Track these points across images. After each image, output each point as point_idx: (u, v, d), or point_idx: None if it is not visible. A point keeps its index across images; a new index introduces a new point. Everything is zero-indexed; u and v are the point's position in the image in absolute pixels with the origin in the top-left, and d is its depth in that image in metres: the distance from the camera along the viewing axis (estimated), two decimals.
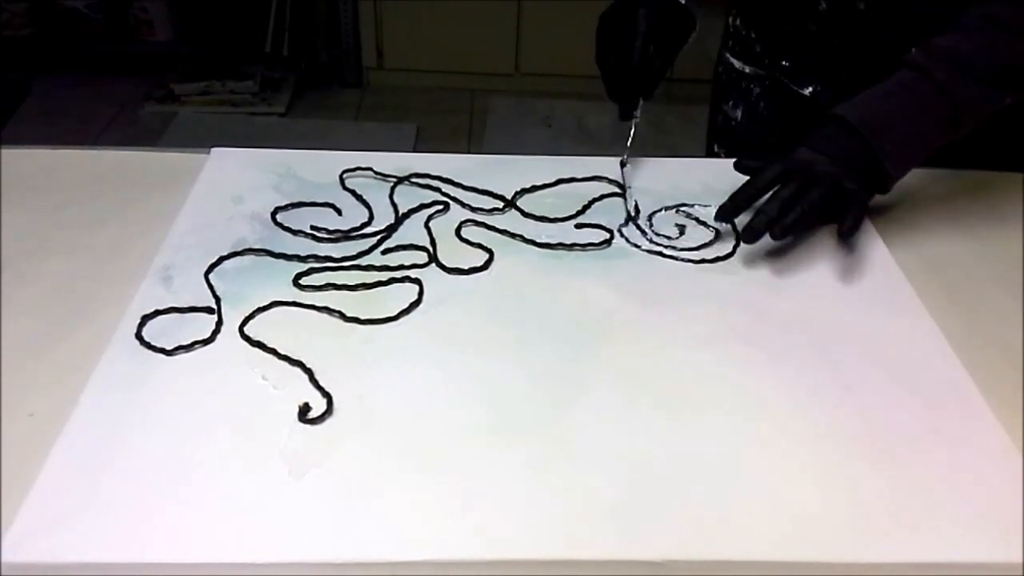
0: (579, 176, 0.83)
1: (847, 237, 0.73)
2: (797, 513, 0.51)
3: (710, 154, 1.06)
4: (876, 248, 0.75)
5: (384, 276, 0.69)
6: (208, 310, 0.65)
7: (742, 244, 0.75)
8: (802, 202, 0.72)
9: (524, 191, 0.81)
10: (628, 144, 0.84)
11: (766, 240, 0.76)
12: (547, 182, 0.82)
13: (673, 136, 2.40)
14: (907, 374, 0.62)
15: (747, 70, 0.99)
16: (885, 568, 0.49)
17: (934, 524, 0.51)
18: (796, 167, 0.74)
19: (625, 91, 0.83)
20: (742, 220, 0.75)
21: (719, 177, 0.83)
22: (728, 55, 1.01)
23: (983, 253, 0.76)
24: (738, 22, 0.99)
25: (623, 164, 0.83)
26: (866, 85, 0.78)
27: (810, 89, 0.93)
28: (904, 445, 0.56)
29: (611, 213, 0.79)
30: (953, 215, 0.82)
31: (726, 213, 0.75)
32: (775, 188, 0.74)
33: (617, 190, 0.82)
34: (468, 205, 0.79)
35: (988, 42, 0.74)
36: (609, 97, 0.84)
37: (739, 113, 1.01)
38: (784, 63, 0.94)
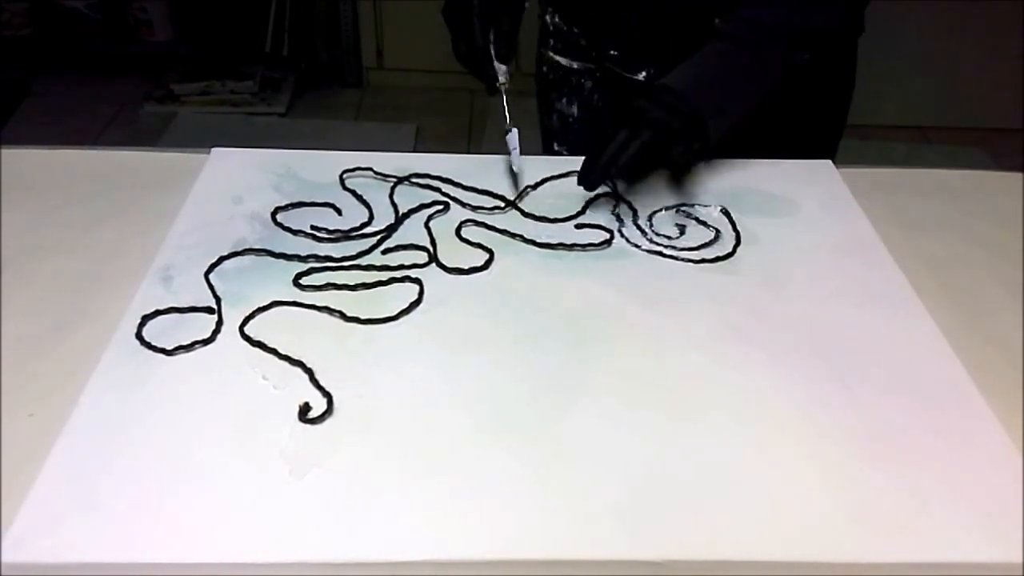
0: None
1: (674, 168, 0.81)
2: (797, 513, 0.51)
3: (550, 153, 1.06)
4: (876, 248, 0.75)
5: (384, 276, 0.69)
6: (208, 310, 0.65)
7: (740, 243, 0.75)
8: (635, 141, 0.76)
9: (523, 193, 0.81)
10: (506, 113, 0.84)
11: (765, 241, 0.76)
12: (547, 183, 0.82)
13: None
14: (907, 374, 0.62)
15: (575, 66, 0.99)
16: (885, 568, 0.49)
17: (934, 524, 0.51)
18: (632, 118, 0.79)
19: (481, 66, 0.85)
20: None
21: (720, 178, 0.83)
22: (552, 54, 1.01)
23: (983, 253, 0.76)
24: (557, 19, 0.99)
25: (507, 131, 0.84)
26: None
27: (644, 74, 0.93)
28: (904, 445, 0.56)
29: (610, 213, 0.79)
30: (953, 215, 0.82)
31: (588, 180, 0.78)
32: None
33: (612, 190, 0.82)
34: (468, 205, 0.79)
35: (785, 9, 0.80)
36: (474, 75, 0.86)
37: (575, 109, 1.01)
38: (612, 52, 0.94)
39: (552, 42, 1.00)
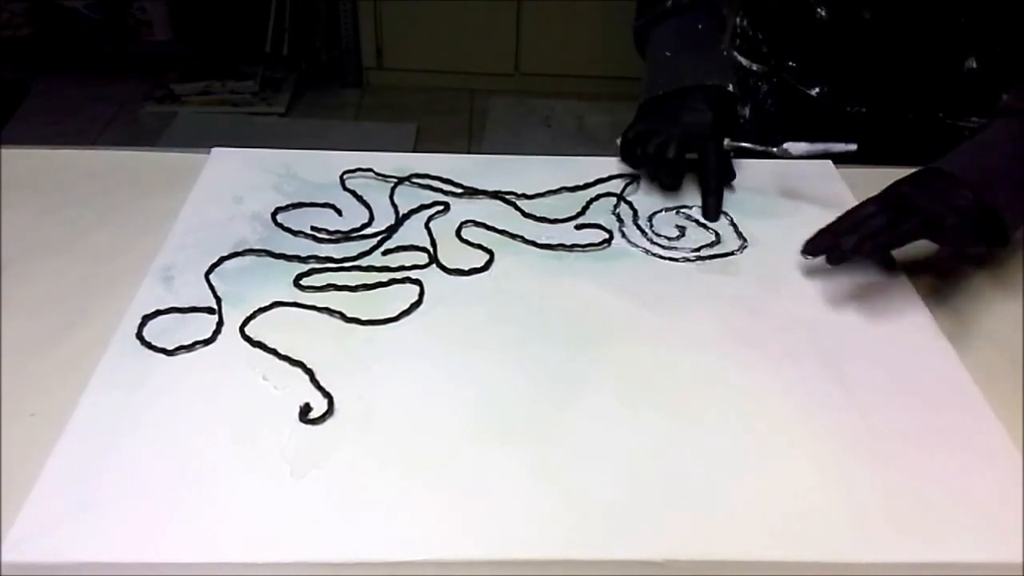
0: (581, 181, 0.82)
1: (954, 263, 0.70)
2: (797, 513, 0.51)
3: None
4: None
5: (384, 277, 0.69)
6: (209, 310, 0.65)
7: (744, 245, 0.75)
8: (901, 229, 0.68)
9: (526, 196, 0.81)
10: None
11: (765, 240, 0.76)
12: (550, 188, 0.81)
13: None
14: (907, 374, 0.62)
15: (754, 68, 1.01)
16: (885, 568, 0.49)
17: (934, 524, 0.51)
18: (894, 201, 0.69)
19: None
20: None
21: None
22: (736, 53, 1.03)
23: (983, 253, 0.76)
24: (745, 23, 1.01)
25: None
26: (871, 87, 0.77)
27: (816, 90, 0.94)
28: (904, 445, 0.56)
29: (610, 213, 0.79)
30: None
31: (815, 248, 0.70)
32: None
33: (614, 190, 0.82)
34: (469, 203, 0.79)
35: None
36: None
37: (747, 111, 1.03)
38: (791, 63, 0.96)
39: (738, 42, 1.02)
